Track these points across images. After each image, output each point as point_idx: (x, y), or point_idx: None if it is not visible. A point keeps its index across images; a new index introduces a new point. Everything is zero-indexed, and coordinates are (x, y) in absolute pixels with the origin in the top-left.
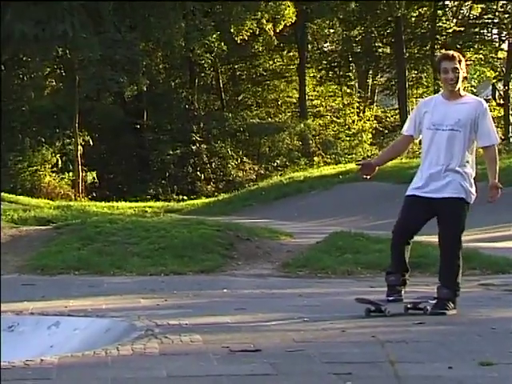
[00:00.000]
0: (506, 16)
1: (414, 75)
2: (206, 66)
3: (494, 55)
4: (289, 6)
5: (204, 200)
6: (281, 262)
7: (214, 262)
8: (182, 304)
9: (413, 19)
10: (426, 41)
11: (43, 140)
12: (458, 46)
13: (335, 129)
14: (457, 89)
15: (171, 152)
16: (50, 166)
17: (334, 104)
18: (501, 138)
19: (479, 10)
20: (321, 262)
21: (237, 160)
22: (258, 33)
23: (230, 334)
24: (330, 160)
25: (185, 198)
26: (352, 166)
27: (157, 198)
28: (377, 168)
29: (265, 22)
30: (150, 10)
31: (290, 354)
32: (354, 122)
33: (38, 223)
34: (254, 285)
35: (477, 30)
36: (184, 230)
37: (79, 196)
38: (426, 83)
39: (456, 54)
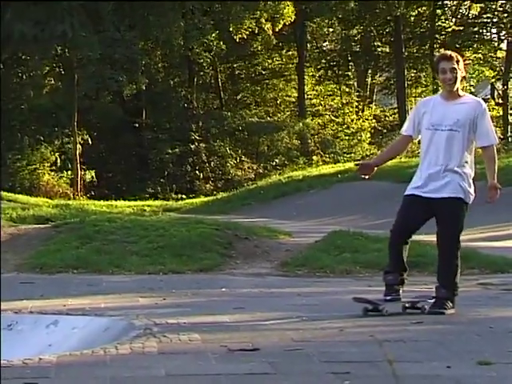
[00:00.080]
0: (505, 15)
1: (413, 74)
2: (204, 64)
3: (492, 54)
4: (288, 5)
5: (203, 199)
6: (279, 261)
7: (212, 261)
8: (181, 303)
9: (412, 18)
10: (425, 40)
11: (42, 139)
12: (457, 46)
13: (334, 128)
14: (455, 89)
15: (170, 151)
16: (48, 164)
17: (332, 103)
18: (499, 138)
19: (478, 10)
20: (319, 261)
21: (236, 159)
22: (257, 32)
23: (228, 333)
24: (328, 159)
25: (183, 196)
26: (351, 165)
27: (155, 196)
28: (376, 168)
29: (264, 21)
30: (149, 9)
31: (289, 353)
32: (352, 121)
33: (37, 222)
34: (253, 284)
35: (476, 29)
36: (183, 228)
37: (78, 195)
38: (424, 82)
39: (454, 54)
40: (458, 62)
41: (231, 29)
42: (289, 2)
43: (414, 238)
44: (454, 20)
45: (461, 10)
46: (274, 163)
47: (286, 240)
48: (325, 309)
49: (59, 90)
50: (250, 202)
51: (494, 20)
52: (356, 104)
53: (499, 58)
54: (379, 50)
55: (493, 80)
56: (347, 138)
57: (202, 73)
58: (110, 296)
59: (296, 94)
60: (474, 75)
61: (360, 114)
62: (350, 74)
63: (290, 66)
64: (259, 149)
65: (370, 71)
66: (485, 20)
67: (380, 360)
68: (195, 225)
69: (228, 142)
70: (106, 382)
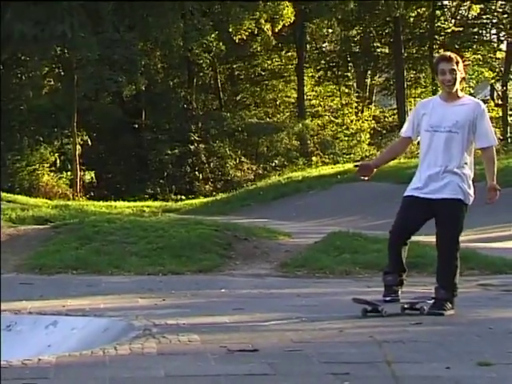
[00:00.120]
0: (505, 16)
1: (412, 75)
2: (204, 65)
3: (492, 55)
4: (287, 6)
5: (202, 200)
6: (279, 262)
7: (212, 262)
8: (180, 304)
9: (411, 19)
10: (424, 41)
11: (41, 139)
12: (457, 47)
13: (333, 129)
14: (454, 90)
15: (169, 152)
16: (48, 165)
17: (332, 104)
18: (499, 139)
19: (478, 11)
20: (319, 261)
21: (235, 160)
22: (256, 32)
23: (227, 333)
24: (328, 160)
25: (183, 197)
26: (350, 165)
27: (155, 197)
28: (375, 169)
29: (263, 21)
30: (148, 9)
31: (288, 353)
32: (352, 121)
33: (36, 222)
34: (252, 285)
35: (475, 30)
36: (182, 229)
37: (77, 195)
38: (424, 83)
39: (453, 55)
40: (457, 63)
41: (231, 29)
42: (288, 3)
43: (414, 238)
44: (453, 21)
45: (460, 11)
46: (274, 164)
47: (285, 241)
48: (324, 309)
49: (59, 90)
50: (249, 203)
51: (494, 21)
52: (355, 105)
53: (499, 58)
54: (379, 50)
55: (492, 81)
56: (347, 138)
57: (201, 73)
58: (110, 297)
59: (295, 95)
60: (473, 76)
61: (359, 114)
62: (349, 74)
63: (290, 66)
64: (259, 150)
65: (369, 72)
66: (484, 21)
67: (379, 361)
68: (194, 226)
69: (227, 142)
70: (105, 383)
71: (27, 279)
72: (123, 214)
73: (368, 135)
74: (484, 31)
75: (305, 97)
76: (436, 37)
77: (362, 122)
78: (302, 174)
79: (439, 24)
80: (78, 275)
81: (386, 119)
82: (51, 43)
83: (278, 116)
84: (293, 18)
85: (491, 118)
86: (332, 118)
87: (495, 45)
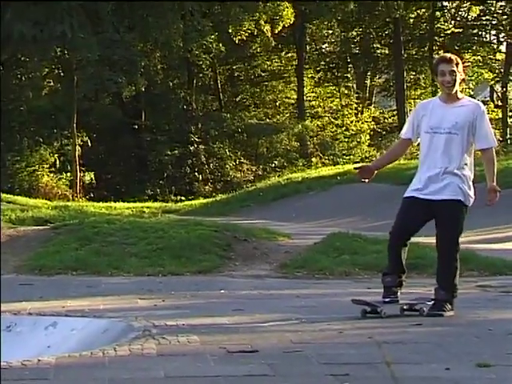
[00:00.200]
0: (505, 18)
1: (412, 76)
2: (204, 66)
3: (492, 57)
4: (287, 7)
5: (202, 201)
6: (278, 263)
7: (211, 263)
8: (180, 305)
9: (411, 20)
10: (424, 42)
11: (41, 140)
12: (457, 48)
13: (333, 130)
14: (454, 91)
15: (169, 152)
16: (47, 166)
17: (332, 105)
18: (499, 140)
19: (477, 12)
20: (318, 262)
21: (235, 161)
22: (256, 34)
23: (227, 334)
24: (327, 161)
25: (182, 198)
26: (350, 167)
27: (155, 198)
28: (375, 172)
29: (263, 22)
30: (148, 10)
31: (288, 354)
32: (352, 123)
33: (36, 223)
34: (252, 286)
35: (475, 31)
36: (182, 230)
37: (77, 196)
38: (424, 84)
39: (453, 56)
40: (457, 64)
41: (230, 30)
42: (288, 4)
43: (413, 240)
44: (453, 22)
45: (460, 12)
46: (273, 165)
47: (285, 242)
48: (324, 311)
49: (58, 91)
50: (249, 204)
51: (494, 22)
52: (355, 106)
53: (498, 60)
54: (378, 51)
55: (492, 82)
56: (346, 139)
57: (201, 74)
58: (109, 297)
59: (295, 96)
60: (473, 77)
61: (359, 115)
62: (349, 75)
63: (290, 67)
64: (258, 151)
65: (369, 73)
66: (484, 22)
67: (379, 362)
68: (194, 226)
69: (227, 143)
70: None
71: (27, 280)
72: (123, 214)
73: (368, 136)
74: (484, 32)
75: (304, 98)
76: (436, 38)
77: (362, 123)
78: (302, 175)
79: (439, 25)
80: (77, 276)
81: (386, 120)
82: (51, 44)
83: (278, 117)
84: (293, 18)
85: (491, 119)
86: (332, 119)
87: (495, 46)
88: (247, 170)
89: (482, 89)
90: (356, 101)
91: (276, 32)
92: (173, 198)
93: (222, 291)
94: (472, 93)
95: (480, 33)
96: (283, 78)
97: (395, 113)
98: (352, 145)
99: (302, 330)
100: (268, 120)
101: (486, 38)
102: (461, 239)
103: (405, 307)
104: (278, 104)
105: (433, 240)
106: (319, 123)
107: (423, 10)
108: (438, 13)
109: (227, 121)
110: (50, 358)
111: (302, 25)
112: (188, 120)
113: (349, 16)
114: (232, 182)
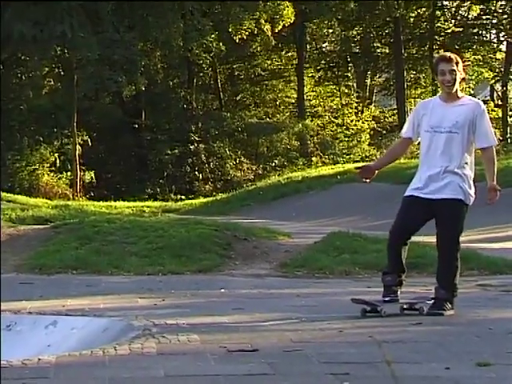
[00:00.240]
0: (505, 17)
1: (412, 75)
2: (204, 65)
3: (492, 56)
4: (287, 6)
5: (202, 200)
6: (278, 262)
7: (211, 262)
8: (180, 304)
9: (411, 19)
10: (424, 41)
11: (41, 139)
12: (457, 47)
13: (333, 129)
14: (454, 91)
15: (169, 152)
16: (48, 165)
17: (332, 104)
18: (499, 139)
19: (478, 11)
20: (319, 262)
21: (235, 160)
22: (256, 33)
23: (227, 333)
24: (328, 160)
25: (183, 197)
26: (350, 166)
27: (155, 197)
28: (376, 171)
29: (263, 22)
30: (148, 9)
31: (288, 354)
32: (352, 122)
33: (36, 222)
34: (252, 285)
35: (475, 30)
36: (182, 229)
37: (77, 195)
38: (424, 84)
39: (453, 55)
40: (457, 63)
41: (230, 30)
42: (288, 3)
43: (414, 239)
44: (453, 21)
45: (460, 12)
46: (274, 164)
47: (285, 241)
48: (324, 310)
49: (58, 90)
50: (249, 203)
51: (494, 21)
52: (355, 105)
53: (498, 59)
54: (379, 51)
55: (492, 81)
56: (346, 139)
57: (201, 74)
58: (109, 297)
59: (295, 95)
60: (473, 76)
61: (359, 115)
62: (349, 74)
63: (290, 66)
64: (258, 150)
65: (369, 72)
66: (484, 21)
67: (379, 361)
68: (194, 226)
69: (227, 142)
70: (104, 383)
71: (27, 279)
72: (123, 214)
73: (368, 135)
74: (484, 32)
75: (305, 97)
76: (436, 37)
77: (362, 122)
78: (302, 174)
79: (439, 24)
80: (77, 275)
81: (386, 119)
82: (51, 43)
83: (278, 116)
84: (293, 18)
85: (491, 118)
86: (332, 119)
87: (495, 45)
88: (247, 169)
89: (483, 88)
90: (356, 100)
91: (276, 31)
92: (173, 197)
93: (222, 290)
94: (472, 92)
95: (480, 32)
96: (283, 77)
97: (395, 112)
98: (352, 144)
99: (302, 329)
100: (268, 119)
101: (487, 37)
102: (461, 238)
103: (405, 306)
104: (278, 103)
105: (433, 239)
106: (319, 122)
107: (423, 9)
108: (438, 12)
109: (227, 120)
110: (50, 356)
111: (302, 24)
112: (188, 119)
113: (349, 15)
114: (232, 181)
